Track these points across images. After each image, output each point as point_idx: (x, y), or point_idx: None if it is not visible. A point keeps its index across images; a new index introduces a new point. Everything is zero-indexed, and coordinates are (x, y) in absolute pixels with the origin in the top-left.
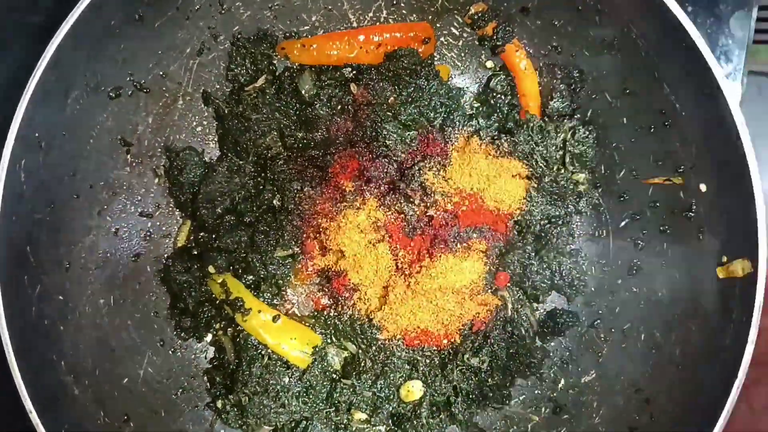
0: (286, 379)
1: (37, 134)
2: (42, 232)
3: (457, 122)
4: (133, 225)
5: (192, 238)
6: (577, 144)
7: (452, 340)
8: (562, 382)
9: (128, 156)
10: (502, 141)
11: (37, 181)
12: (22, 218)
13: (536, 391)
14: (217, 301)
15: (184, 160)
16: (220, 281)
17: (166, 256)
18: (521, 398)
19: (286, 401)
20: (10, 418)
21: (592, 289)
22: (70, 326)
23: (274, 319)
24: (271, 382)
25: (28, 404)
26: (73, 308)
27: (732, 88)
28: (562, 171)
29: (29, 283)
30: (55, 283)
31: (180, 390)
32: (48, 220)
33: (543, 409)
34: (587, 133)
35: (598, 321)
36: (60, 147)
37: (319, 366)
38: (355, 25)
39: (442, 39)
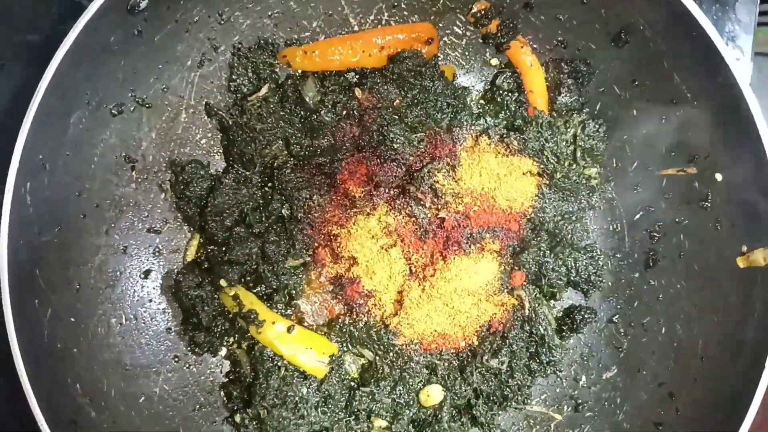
0: (304, 390)
1: (40, 156)
2: (50, 255)
3: (465, 122)
4: (141, 242)
5: (202, 251)
6: (587, 138)
7: (470, 342)
8: (583, 379)
9: (133, 173)
10: (511, 139)
11: (42, 203)
12: (30, 242)
13: (557, 390)
14: (230, 315)
15: (190, 174)
16: (232, 294)
17: (176, 271)
18: (542, 397)
19: (305, 412)
20: None
21: (609, 283)
22: (83, 348)
23: (289, 329)
24: (289, 393)
25: (45, 429)
26: (85, 329)
27: (741, 72)
28: (574, 166)
29: (40, 307)
30: (65, 305)
31: (197, 406)
32: (56, 242)
33: (565, 408)
34: (597, 126)
35: (617, 316)
36: (64, 167)
37: (337, 375)
38: (356, 29)
39: (445, 39)
